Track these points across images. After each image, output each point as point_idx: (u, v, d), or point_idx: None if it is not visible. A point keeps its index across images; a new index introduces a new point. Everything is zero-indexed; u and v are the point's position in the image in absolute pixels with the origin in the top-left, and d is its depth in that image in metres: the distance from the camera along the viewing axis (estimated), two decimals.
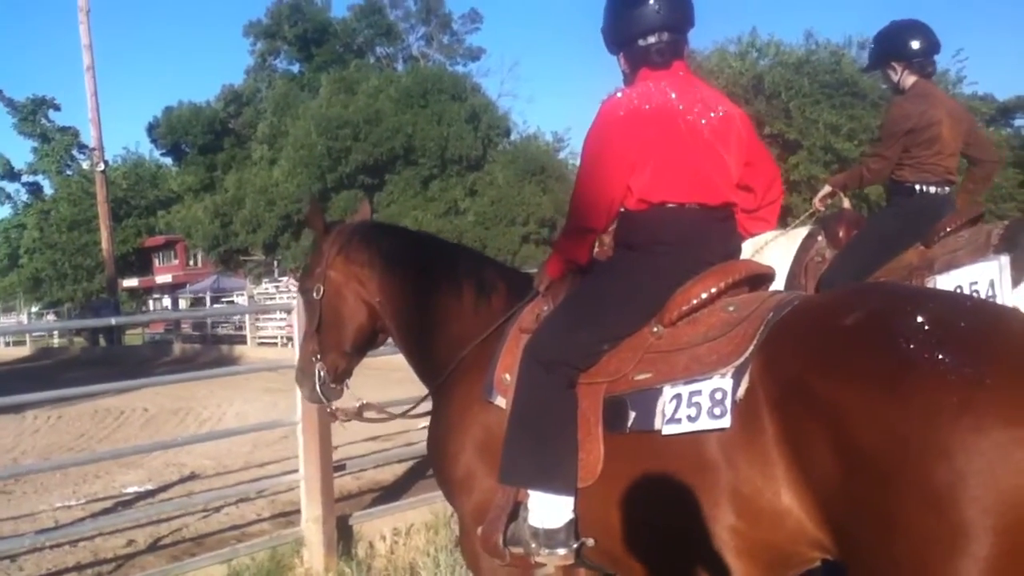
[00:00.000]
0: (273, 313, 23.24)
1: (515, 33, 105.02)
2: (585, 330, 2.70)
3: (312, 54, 53.82)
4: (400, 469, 7.57)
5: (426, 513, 5.73)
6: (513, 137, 46.36)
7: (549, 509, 2.65)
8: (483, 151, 41.89)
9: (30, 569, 5.50)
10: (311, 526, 5.25)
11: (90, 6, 28.76)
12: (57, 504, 7.32)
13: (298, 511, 5.95)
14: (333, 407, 3.44)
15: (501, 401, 2.85)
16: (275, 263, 42.06)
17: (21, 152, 58.92)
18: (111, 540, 5.97)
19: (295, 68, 56.07)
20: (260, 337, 24.31)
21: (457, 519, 3.14)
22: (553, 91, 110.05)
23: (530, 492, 2.69)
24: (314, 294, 3.31)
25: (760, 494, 2.16)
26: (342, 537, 5.34)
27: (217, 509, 6.61)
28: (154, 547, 5.81)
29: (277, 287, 28.49)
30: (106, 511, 7.04)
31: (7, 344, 35.23)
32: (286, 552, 5.19)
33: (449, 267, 3.17)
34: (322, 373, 3.33)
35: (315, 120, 40.44)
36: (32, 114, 56.47)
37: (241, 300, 27.83)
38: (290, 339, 16.32)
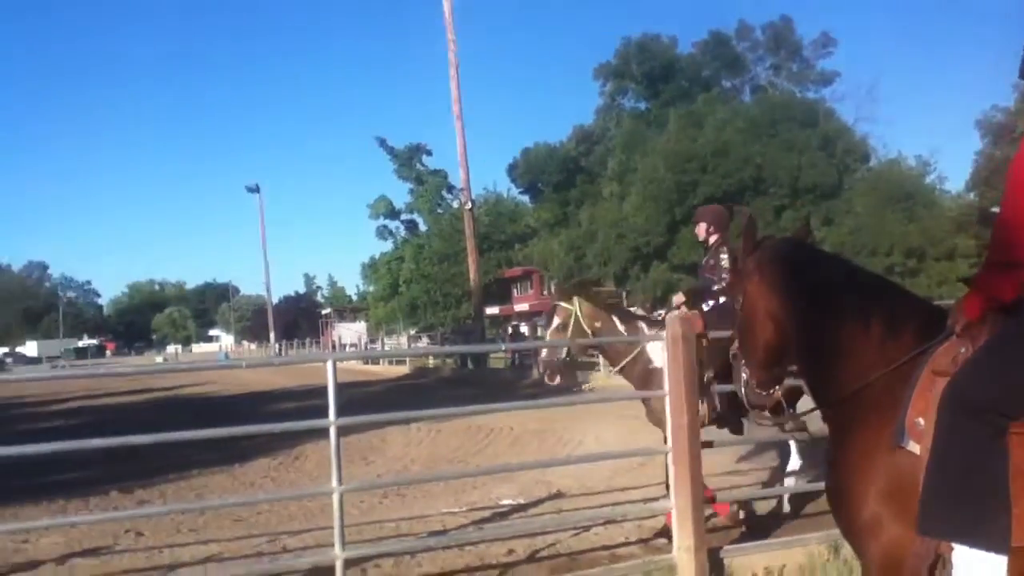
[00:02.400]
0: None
1: (871, 53, 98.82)
2: (1016, 375, 2.48)
3: (658, 91, 54.81)
4: (765, 505, 7.34)
5: (800, 555, 5.50)
6: (872, 163, 43.53)
7: (978, 567, 2.44)
8: (839, 178, 39.81)
9: (427, 567, 6.08)
10: (683, 555, 5.26)
11: (459, 61, 31.73)
12: (443, 510, 8.05)
13: (663, 537, 6.01)
14: (757, 411, 3.44)
15: (915, 447, 2.71)
16: (624, 294, 43.11)
17: (400, 194, 66.49)
18: (492, 548, 6.43)
19: (642, 106, 57.43)
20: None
21: (861, 565, 2.98)
22: (916, 112, 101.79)
23: (954, 546, 2.50)
24: (735, 305, 3.40)
25: None
26: (713, 569, 5.30)
27: (586, 528, 6.86)
28: (532, 558, 6.16)
29: None
30: (485, 520, 7.62)
31: (390, 363, 39.59)
32: None
33: (859, 294, 3.05)
34: (745, 377, 3.36)
35: (663, 155, 41.07)
36: (409, 160, 63.68)
37: None
38: None
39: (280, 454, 12.56)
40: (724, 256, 6.97)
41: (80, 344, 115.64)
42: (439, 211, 63.75)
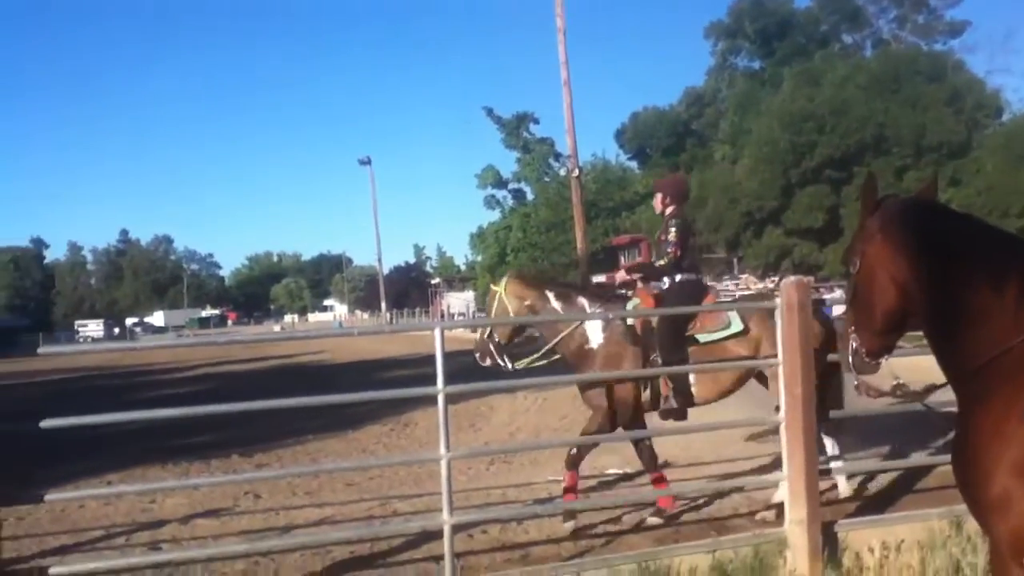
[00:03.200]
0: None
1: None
2: None
3: (773, 49, 52.95)
4: (884, 479, 7.04)
5: (919, 530, 5.24)
6: (1006, 117, 40.99)
7: None
8: (967, 135, 37.67)
9: (533, 534, 6.09)
10: (795, 528, 5.09)
11: (566, 26, 31.31)
12: (549, 477, 8.04)
13: (773, 509, 5.83)
14: (862, 381, 3.23)
15: None
16: (735, 261, 42.14)
17: (507, 163, 66.60)
18: (598, 516, 6.38)
19: (756, 65, 55.64)
20: None
21: (989, 542, 2.79)
22: None
23: None
24: (851, 268, 3.18)
25: None
26: (827, 543, 5.10)
27: (694, 500, 6.73)
28: (638, 528, 6.08)
29: (737, 284, 28.42)
30: (591, 489, 7.57)
31: None
32: (769, 551, 5.10)
33: (993, 256, 2.82)
34: (855, 345, 3.17)
35: (778, 116, 39.73)
36: (516, 128, 63.61)
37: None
38: None
39: (390, 421, 12.84)
40: (673, 228, 6.57)
41: (203, 314, 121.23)
42: (546, 179, 63.56)
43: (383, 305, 63.31)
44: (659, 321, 6.24)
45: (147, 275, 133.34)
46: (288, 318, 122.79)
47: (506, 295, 6.51)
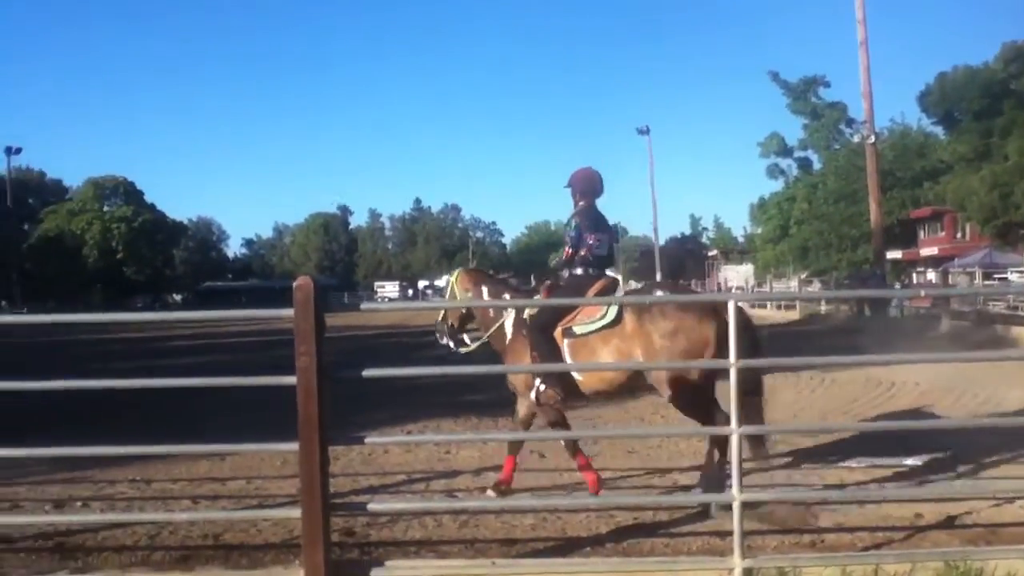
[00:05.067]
0: None
1: None
2: None
3: None
4: None
5: None
6: None
7: None
8: None
9: (823, 520, 5.80)
10: None
11: None
12: (841, 464, 7.63)
13: None
14: None
15: None
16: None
17: (793, 130, 63.47)
18: (897, 509, 5.95)
19: None
20: None
21: None
22: None
23: None
24: None
25: None
26: None
27: (1009, 500, 6.09)
28: (945, 525, 5.61)
29: None
30: (885, 479, 7.10)
31: (778, 307, 38.45)
32: None
33: None
34: None
35: None
36: (804, 93, 60.39)
37: (1016, 278, 25.45)
38: None
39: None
40: (574, 224, 6.83)
41: None
42: (835, 147, 59.93)
43: (658, 276, 63.15)
44: (532, 315, 6.60)
45: (437, 241, 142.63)
46: None
47: (456, 286, 7.25)
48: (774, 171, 65.35)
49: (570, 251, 6.80)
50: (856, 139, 49.94)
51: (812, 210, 57.05)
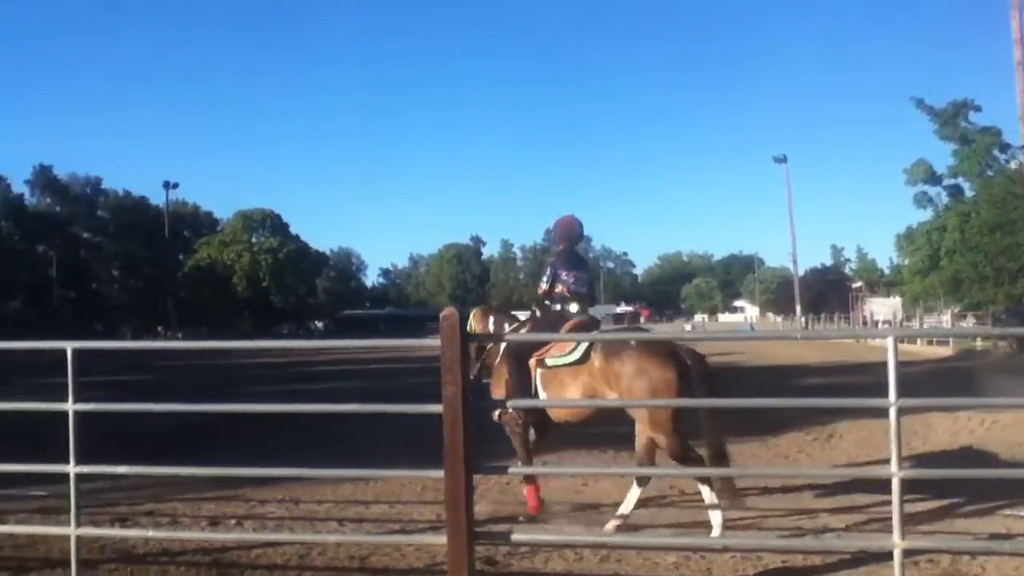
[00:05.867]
0: None
1: None
2: None
3: None
4: None
5: None
6: None
7: None
8: None
9: (991, 571, 5.41)
10: None
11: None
12: (1006, 512, 7.12)
13: None
14: None
15: None
16: None
17: (941, 157, 60.22)
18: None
19: None
20: None
21: None
22: None
23: None
24: None
25: None
26: None
27: None
28: None
29: None
30: None
31: (928, 343, 36.52)
32: None
33: None
34: None
35: None
36: (952, 118, 57.42)
37: None
38: None
39: (812, 430, 12.29)
40: (550, 264, 7.68)
41: (618, 310, 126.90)
42: (988, 174, 56.62)
43: (797, 308, 61.15)
44: (507, 348, 7.19)
45: None
46: (698, 317, 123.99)
47: (473, 322, 7.79)
48: (922, 199, 62.31)
49: (545, 287, 7.58)
50: (1013, 165, 47.11)
51: (965, 240, 53.93)
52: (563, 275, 7.47)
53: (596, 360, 6.70)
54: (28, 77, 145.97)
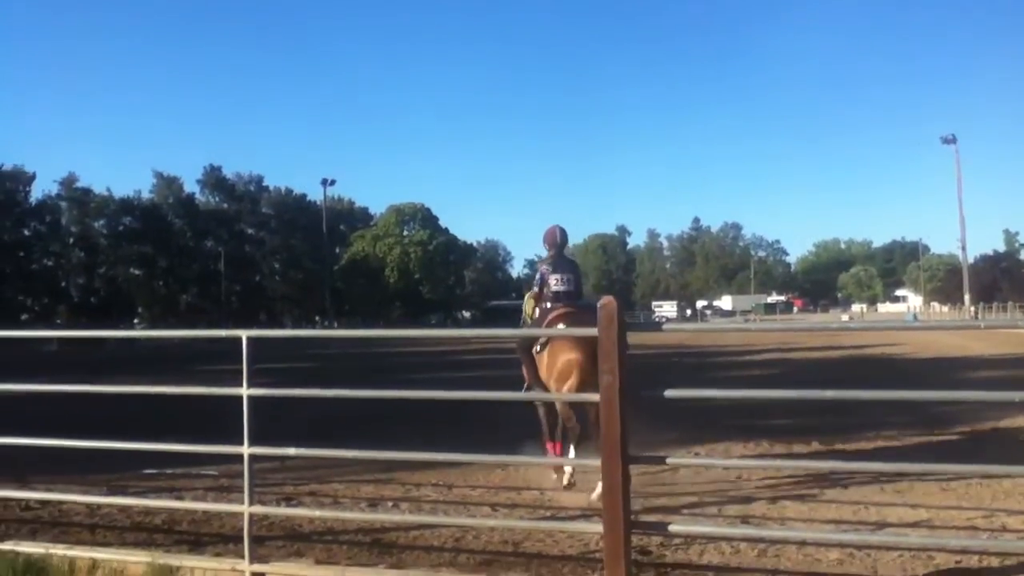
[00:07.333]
0: None
1: None
2: None
3: None
4: None
5: None
6: None
7: None
8: None
9: None
10: None
11: None
12: None
13: None
14: None
15: None
16: None
17: None
18: None
19: None
20: None
21: None
22: None
23: None
24: None
25: None
26: None
27: None
28: None
29: None
30: None
31: None
32: None
33: None
34: None
35: None
36: None
37: None
38: None
39: (986, 425, 11.55)
40: (538, 270, 8.84)
41: (769, 300, 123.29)
42: None
43: (966, 298, 57.47)
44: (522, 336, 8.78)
45: (716, 260, 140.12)
46: (856, 307, 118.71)
47: (526, 307, 8.97)
48: None
49: (536, 290, 8.69)
50: None
51: None
52: (550, 278, 8.59)
53: (551, 344, 7.97)
54: (191, 82, 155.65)
